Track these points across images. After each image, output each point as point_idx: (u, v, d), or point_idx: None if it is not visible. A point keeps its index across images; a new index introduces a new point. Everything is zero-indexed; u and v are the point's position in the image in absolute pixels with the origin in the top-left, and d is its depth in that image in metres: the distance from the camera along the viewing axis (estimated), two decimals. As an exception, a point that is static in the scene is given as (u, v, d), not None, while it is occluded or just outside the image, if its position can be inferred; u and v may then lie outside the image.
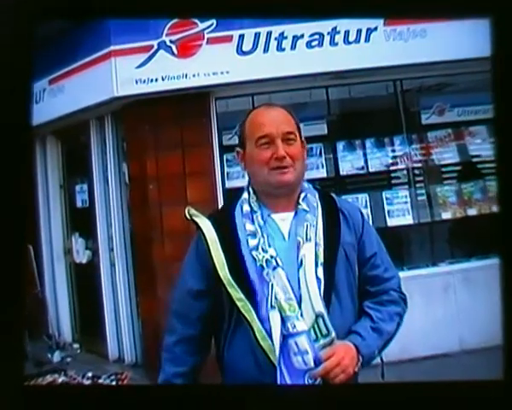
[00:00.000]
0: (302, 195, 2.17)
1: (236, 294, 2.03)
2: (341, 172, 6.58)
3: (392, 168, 6.72)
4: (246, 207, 2.14)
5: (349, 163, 6.58)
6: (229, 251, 2.07)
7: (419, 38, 6.21)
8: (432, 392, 1.74)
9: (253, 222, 2.11)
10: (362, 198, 6.47)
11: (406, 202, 6.55)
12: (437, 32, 6.08)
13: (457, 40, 5.93)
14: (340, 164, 6.57)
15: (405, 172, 6.74)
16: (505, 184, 1.71)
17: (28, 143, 1.79)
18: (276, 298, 1.99)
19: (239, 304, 2.02)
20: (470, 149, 6.84)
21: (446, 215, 6.64)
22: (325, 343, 1.99)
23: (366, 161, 6.61)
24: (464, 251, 6.59)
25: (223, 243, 2.09)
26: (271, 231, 2.10)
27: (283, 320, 1.98)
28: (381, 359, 2.19)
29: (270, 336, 1.99)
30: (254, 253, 2.05)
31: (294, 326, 1.97)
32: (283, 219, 2.13)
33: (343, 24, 6.11)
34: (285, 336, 1.98)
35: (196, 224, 2.15)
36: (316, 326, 2.00)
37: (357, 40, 6.18)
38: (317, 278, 2.03)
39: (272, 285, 2.00)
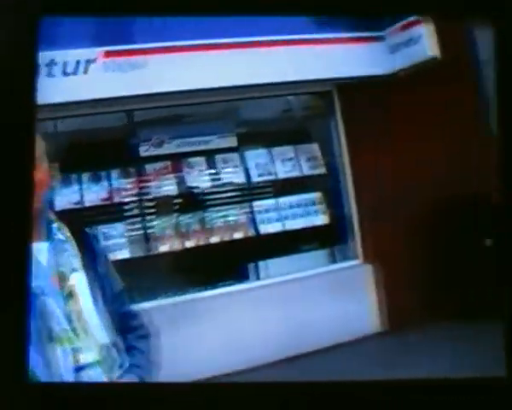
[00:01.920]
0: (55, 224, 2.04)
1: None
2: (56, 208, 6.35)
3: (108, 202, 6.65)
4: None
5: (65, 198, 6.36)
6: None
7: (139, 69, 6.24)
8: (431, 390, 1.70)
9: None
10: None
11: (122, 237, 6.54)
12: (158, 63, 6.21)
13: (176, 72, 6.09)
14: (56, 199, 6.32)
15: (124, 206, 6.72)
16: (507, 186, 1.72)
17: (31, 145, 1.72)
18: (54, 330, 1.84)
19: None
20: (188, 181, 6.99)
21: (164, 248, 6.72)
22: (121, 375, 1.94)
23: (82, 196, 6.50)
24: (184, 283, 6.72)
25: None
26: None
27: (67, 354, 1.83)
28: None
29: (52, 375, 1.81)
30: None
31: (83, 359, 1.85)
32: (40, 249, 1.95)
33: (61, 55, 5.92)
34: (75, 371, 1.84)
35: None
36: (107, 357, 1.92)
37: (75, 72, 6.05)
38: (95, 308, 1.95)
39: (47, 317, 1.84)
